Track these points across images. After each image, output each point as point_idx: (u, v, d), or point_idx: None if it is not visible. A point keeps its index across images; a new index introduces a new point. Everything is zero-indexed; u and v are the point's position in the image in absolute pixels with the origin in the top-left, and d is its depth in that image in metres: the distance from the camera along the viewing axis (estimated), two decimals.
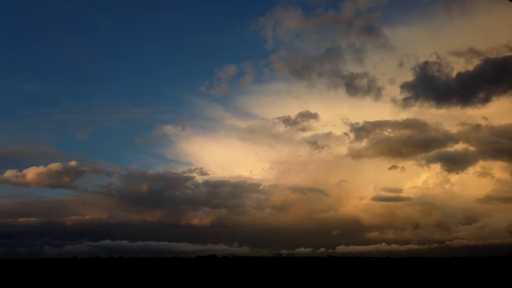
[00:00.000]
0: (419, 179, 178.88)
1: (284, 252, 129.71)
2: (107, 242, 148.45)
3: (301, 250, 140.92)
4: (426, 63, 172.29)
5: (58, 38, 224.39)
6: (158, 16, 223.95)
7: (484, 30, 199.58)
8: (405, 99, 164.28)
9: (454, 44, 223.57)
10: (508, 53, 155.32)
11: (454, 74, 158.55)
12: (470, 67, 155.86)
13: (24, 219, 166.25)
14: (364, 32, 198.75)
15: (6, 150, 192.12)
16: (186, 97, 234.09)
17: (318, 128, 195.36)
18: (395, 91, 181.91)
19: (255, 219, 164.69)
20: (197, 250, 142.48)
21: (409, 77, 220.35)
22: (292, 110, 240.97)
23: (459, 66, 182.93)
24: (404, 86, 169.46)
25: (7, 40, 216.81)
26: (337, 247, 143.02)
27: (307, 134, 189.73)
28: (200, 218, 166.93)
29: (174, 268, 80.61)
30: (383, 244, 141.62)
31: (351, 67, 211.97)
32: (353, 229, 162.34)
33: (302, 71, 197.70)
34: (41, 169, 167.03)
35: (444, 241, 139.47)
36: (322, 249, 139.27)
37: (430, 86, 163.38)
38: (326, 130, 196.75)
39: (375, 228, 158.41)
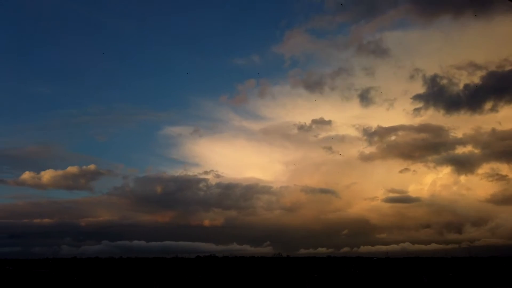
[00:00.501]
0: (431, 181, 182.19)
1: (306, 252, 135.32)
2: (125, 242, 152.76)
3: (322, 250, 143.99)
4: (435, 76, 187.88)
5: (76, 42, 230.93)
6: (187, 27, 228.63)
7: (482, 45, 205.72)
8: (416, 109, 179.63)
9: (455, 59, 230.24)
10: (509, 67, 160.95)
11: (461, 85, 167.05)
12: (475, 79, 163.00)
13: (39, 220, 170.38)
14: (373, 53, 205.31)
15: (25, 152, 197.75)
16: (203, 102, 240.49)
17: (331, 132, 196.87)
18: (407, 101, 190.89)
19: (274, 220, 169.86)
20: (220, 250, 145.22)
21: (420, 89, 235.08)
22: (306, 116, 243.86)
23: (465, 78, 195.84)
24: (416, 97, 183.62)
25: (26, 45, 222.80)
26: (362, 247, 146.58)
27: (320, 137, 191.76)
28: (211, 218, 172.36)
29: (174, 268, 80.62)
30: (407, 243, 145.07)
31: (363, 81, 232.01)
32: (366, 229, 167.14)
33: (315, 85, 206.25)
34: (58, 172, 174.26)
35: (474, 240, 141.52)
36: (346, 249, 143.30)
37: (440, 96, 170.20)
38: (340, 133, 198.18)
39: (394, 228, 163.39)
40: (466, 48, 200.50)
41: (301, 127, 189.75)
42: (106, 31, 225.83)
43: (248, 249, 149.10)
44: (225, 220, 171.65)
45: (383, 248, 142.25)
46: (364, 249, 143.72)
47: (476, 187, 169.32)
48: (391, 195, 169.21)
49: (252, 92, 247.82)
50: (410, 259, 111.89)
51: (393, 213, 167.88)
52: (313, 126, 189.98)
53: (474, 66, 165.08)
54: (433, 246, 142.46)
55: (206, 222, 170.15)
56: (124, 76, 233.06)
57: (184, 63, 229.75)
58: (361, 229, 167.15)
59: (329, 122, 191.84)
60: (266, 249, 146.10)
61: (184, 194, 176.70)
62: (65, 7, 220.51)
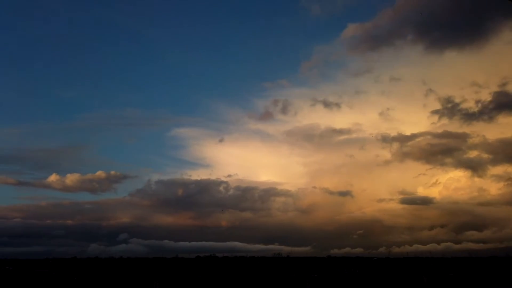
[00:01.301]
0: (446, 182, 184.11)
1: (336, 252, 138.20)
2: (153, 241, 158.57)
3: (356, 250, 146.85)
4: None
5: (101, 48, 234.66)
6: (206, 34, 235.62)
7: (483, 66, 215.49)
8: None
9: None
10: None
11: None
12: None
13: (63, 220, 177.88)
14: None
15: (50, 154, 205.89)
16: (223, 107, 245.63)
17: (352, 135, 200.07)
18: (425, 115, 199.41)
19: (288, 220, 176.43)
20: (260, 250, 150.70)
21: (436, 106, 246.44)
22: (327, 119, 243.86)
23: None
24: (433, 112, 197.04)
25: (52, 50, 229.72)
26: (402, 246, 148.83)
27: (341, 139, 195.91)
28: (228, 219, 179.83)
29: (174, 268, 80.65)
30: (443, 244, 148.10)
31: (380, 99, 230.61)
32: (379, 230, 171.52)
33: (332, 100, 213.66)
34: (82, 175, 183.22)
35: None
36: (383, 249, 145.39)
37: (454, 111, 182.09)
38: (360, 136, 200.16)
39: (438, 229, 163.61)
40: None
41: (323, 130, 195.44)
42: (134, 37, 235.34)
43: (284, 249, 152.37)
44: (240, 220, 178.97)
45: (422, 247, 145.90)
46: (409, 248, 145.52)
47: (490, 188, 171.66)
48: (408, 196, 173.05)
49: None
50: (410, 259, 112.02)
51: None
52: (334, 129, 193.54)
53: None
54: (468, 245, 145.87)
55: (224, 223, 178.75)
56: (147, 80, 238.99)
57: (200, 67, 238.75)
58: (384, 229, 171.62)
59: (351, 125, 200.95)
60: (305, 249, 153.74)
61: (203, 196, 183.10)
62: (85, 13, 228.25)
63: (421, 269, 67.02)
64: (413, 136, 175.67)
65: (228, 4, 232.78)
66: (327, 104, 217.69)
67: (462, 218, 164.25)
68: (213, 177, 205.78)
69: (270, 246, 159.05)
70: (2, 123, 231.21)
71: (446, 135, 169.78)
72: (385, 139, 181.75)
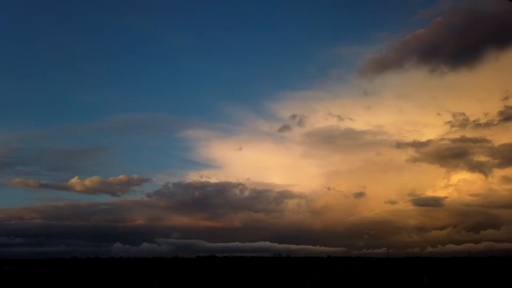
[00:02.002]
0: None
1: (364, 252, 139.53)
2: (182, 241, 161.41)
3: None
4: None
5: (122, 52, 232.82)
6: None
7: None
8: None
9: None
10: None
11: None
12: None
13: (82, 221, 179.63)
14: None
15: (73, 157, 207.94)
16: (240, 111, 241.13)
17: (368, 137, 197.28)
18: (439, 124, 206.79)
19: (298, 221, 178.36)
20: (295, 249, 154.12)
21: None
22: (342, 122, 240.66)
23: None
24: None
25: (73, 55, 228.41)
26: (444, 246, 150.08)
27: (358, 142, 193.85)
28: (241, 220, 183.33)
29: (174, 268, 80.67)
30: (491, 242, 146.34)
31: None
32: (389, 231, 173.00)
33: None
34: (101, 178, 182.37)
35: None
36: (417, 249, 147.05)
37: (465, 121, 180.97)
38: (377, 139, 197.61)
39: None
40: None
41: (341, 132, 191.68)
42: (155, 42, 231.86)
43: (318, 249, 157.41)
44: (254, 221, 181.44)
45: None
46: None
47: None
48: (422, 198, 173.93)
49: None
50: (410, 259, 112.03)
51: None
52: (350, 132, 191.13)
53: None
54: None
55: (237, 223, 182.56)
56: (167, 84, 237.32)
57: (215, 72, 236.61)
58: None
59: (368, 128, 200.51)
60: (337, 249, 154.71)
61: (220, 198, 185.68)
62: (101, 18, 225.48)
63: (421, 269, 67.01)
64: (428, 141, 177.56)
65: (249, 10, 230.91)
66: (343, 107, 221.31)
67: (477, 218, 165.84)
68: (230, 180, 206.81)
69: (304, 246, 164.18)
70: (24, 125, 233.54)
71: (459, 140, 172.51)
72: (401, 143, 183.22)
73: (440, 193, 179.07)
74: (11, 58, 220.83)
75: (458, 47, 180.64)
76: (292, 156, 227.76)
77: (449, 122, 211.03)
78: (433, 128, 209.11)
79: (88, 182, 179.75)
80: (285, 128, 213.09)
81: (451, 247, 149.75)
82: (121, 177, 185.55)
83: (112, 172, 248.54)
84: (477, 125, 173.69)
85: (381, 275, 58.56)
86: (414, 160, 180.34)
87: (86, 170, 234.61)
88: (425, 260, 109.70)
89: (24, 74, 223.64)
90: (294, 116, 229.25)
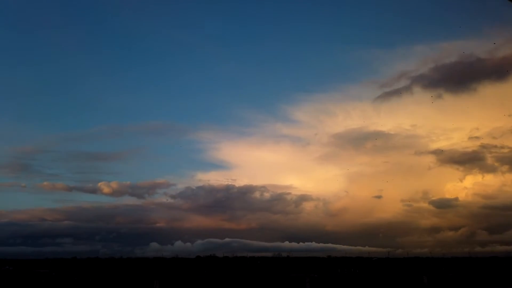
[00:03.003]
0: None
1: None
2: (216, 240, 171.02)
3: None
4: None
5: (153, 59, 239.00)
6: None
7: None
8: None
9: None
10: None
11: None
12: None
13: (114, 223, 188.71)
14: None
15: (102, 160, 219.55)
16: (260, 116, 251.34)
17: (389, 140, 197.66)
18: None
19: (314, 222, 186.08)
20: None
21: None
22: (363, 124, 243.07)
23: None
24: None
25: (104, 61, 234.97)
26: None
27: (376, 145, 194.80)
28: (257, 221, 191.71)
29: (174, 268, 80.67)
30: None
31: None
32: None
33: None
34: (130, 181, 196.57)
35: None
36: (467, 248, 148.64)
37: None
38: (399, 142, 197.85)
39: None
40: None
41: (364, 136, 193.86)
42: (186, 49, 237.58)
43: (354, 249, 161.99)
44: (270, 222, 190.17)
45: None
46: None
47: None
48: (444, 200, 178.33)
49: None
50: (410, 259, 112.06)
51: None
52: (370, 134, 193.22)
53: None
54: None
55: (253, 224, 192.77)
56: (195, 91, 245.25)
57: (232, 76, 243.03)
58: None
59: (388, 130, 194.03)
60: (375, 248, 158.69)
61: (240, 201, 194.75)
62: (138, 26, 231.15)
63: (421, 269, 66.99)
64: (449, 146, 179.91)
65: (265, 9, 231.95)
66: (363, 110, 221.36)
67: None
68: (252, 183, 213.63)
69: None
70: (54, 128, 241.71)
71: (476, 145, 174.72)
72: (422, 146, 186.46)
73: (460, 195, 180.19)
74: (40, 62, 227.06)
75: None
76: (309, 158, 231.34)
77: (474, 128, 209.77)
78: (456, 133, 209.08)
79: (116, 184, 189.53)
80: (303, 131, 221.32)
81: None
82: (148, 180, 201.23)
83: (139, 175, 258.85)
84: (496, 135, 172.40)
85: (381, 275, 58.54)
86: (437, 164, 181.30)
87: (114, 173, 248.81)
88: (425, 260, 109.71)
89: (54, 78, 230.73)
90: (312, 118, 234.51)
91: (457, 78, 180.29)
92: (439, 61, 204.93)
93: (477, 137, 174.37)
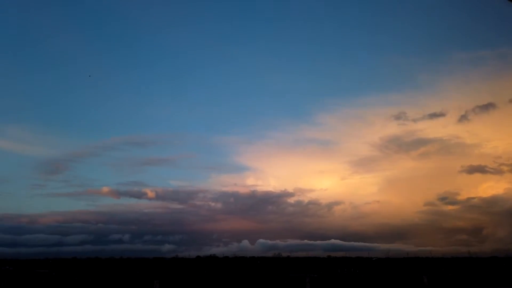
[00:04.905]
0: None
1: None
2: (264, 241, 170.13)
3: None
4: None
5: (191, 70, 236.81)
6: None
7: None
8: None
9: None
10: None
11: None
12: None
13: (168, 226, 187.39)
14: None
15: (144, 165, 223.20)
16: (292, 122, 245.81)
17: (424, 146, 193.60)
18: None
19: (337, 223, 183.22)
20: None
21: None
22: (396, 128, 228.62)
23: None
24: None
25: (144, 72, 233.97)
26: None
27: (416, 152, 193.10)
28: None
29: (174, 268, 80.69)
30: None
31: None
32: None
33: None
34: (170, 187, 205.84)
35: None
36: None
37: None
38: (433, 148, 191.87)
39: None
40: None
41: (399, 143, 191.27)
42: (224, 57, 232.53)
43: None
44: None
45: None
46: None
47: None
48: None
49: None
50: (410, 259, 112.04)
51: None
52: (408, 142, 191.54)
53: None
54: None
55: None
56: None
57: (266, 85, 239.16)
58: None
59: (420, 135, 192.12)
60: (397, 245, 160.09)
61: (272, 205, 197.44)
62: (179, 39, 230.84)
63: (421, 269, 67.01)
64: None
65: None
66: (397, 117, 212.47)
67: None
68: (283, 188, 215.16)
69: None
70: (99, 134, 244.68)
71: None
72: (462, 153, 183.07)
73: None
74: (90, 70, 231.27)
75: None
76: (340, 162, 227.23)
77: None
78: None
79: (158, 190, 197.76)
80: (332, 134, 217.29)
81: None
82: (189, 185, 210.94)
83: (182, 180, 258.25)
84: None
85: (381, 275, 58.56)
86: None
87: (158, 178, 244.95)
88: (425, 260, 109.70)
89: (100, 87, 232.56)
90: (344, 124, 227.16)
91: None
92: None
93: None
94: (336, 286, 46.47)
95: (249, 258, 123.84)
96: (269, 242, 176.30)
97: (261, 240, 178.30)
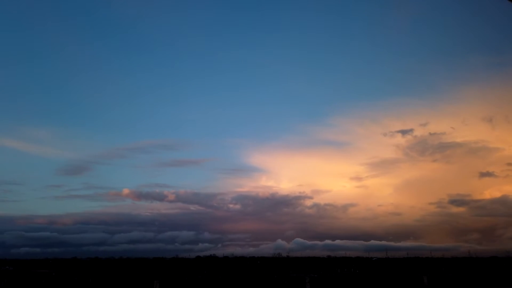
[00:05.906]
0: None
1: None
2: (300, 240, 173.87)
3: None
4: None
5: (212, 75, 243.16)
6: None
7: None
8: None
9: None
10: None
11: None
12: None
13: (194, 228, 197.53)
14: None
15: (164, 167, 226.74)
16: (310, 126, 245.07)
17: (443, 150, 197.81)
18: None
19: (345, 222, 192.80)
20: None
21: None
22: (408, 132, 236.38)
23: None
24: None
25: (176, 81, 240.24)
26: None
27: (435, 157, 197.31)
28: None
29: (174, 268, 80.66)
30: None
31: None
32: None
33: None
34: (193, 190, 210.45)
35: None
36: None
37: None
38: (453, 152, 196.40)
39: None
40: None
41: (411, 144, 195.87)
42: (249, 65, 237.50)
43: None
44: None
45: None
46: None
47: None
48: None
49: None
50: (410, 259, 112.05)
51: None
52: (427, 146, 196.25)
53: None
54: None
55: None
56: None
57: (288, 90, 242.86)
58: None
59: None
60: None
61: (290, 207, 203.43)
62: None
63: (421, 269, 67.01)
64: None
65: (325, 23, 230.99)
66: (413, 121, 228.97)
67: None
68: (301, 190, 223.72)
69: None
70: (122, 139, 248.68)
71: None
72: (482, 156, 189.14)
73: None
74: (117, 74, 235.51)
75: None
76: (355, 164, 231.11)
77: None
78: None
79: (181, 192, 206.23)
80: (348, 137, 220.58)
81: None
82: (209, 187, 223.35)
83: (201, 183, 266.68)
84: None
85: (381, 275, 58.56)
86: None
87: (179, 182, 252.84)
88: (425, 260, 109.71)
89: (126, 91, 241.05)
90: (361, 126, 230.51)
91: None
92: None
93: None
94: (336, 286, 46.47)
95: (249, 258, 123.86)
96: (307, 242, 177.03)
97: (299, 239, 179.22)
